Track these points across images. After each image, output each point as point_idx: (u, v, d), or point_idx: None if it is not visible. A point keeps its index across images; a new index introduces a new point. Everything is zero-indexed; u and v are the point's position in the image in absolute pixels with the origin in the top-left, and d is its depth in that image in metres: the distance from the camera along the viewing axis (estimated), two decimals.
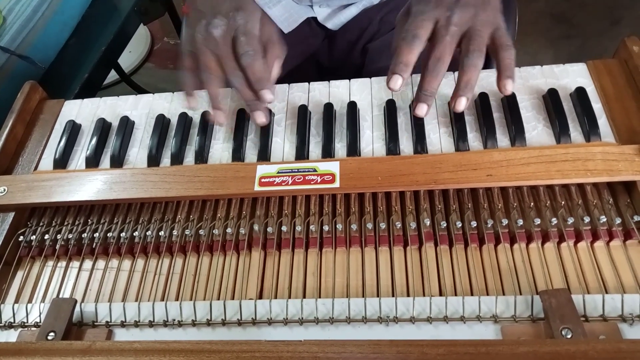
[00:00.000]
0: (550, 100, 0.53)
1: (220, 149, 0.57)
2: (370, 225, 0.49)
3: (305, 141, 0.55)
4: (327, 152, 0.53)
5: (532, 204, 0.49)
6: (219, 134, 0.58)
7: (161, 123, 0.59)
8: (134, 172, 0.54)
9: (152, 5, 1.07)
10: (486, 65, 0.50)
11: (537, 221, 0.47)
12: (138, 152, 0.58)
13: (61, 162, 0.58)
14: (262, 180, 0.51)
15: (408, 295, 0.46)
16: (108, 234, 0.53)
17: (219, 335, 0.44)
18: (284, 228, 0.50)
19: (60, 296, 0.50)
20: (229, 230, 0.51)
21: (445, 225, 0.48)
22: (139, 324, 0.46)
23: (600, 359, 0.36)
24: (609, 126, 0.51)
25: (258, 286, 0.48)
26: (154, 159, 0.56)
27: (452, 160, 0.49)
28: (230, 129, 0.58)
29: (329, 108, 0.57)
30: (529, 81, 0.56)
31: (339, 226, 0.49)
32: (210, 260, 0.51)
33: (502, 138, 0.52)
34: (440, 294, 0.45)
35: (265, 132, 0.56)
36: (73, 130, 0.60)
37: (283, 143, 0.56)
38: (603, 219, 0.46)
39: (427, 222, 0.48)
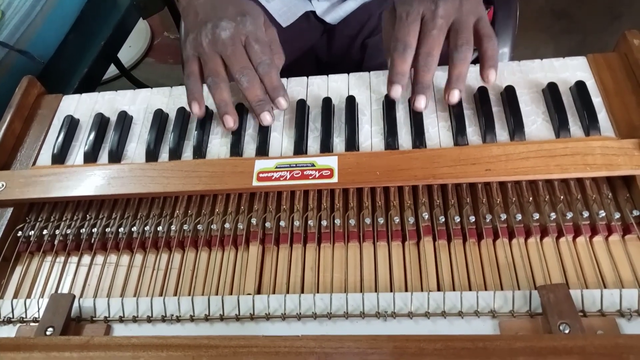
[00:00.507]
0: (550, 94, 0.53)
1: (219, 143, 0.57)
2: (368, 221, 0.49)
3: (304, 136, 0.54)
4: (326, 147, 0.53)
5: (530, 198, 0.48)
6: (217, 129, 0.58)
7: (159, 118, 0.59)
8: (132, 167, 0.54)
9: None
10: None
11: (536, 216, 0.46)
12: (136, 147, 0.58)
13: (59, 158, 0.58)
14: (261, 175, 0.51)
15: (406, 290, 0.46)
16: (106, 229, 0.53)
17: (217, 331, 0.44)
18: (282, 223, 0.50)
19: (59, 291, 0.50)
20: (227, 225, 0.50)
21: (443, 220, 0.48)
22: (137, 319, 0.46)
23: (598, 354, 0.36)
24: (609, 120, 0.51)
25: (256, 281, 0.48)
26: (152, 154, 0.56)
27: (451, 154, 0.49)
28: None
29: (327, 102, 0.57)
30: (528, 75, 0.56)
31: (337, 221, 0.49)
32: (208, 255, 0.50)
33: (501, 132, 0.52)
34: (439, 289, 0.45)
35: (264, 127, 0.55)
36: (71, 126, 0.60)
37: (281, 138, 0.56)
38: (602, 213, 0.46)
39: (426, 217, 0.48)
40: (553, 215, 0.46)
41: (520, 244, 0.47)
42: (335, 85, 0.59)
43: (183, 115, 0.58)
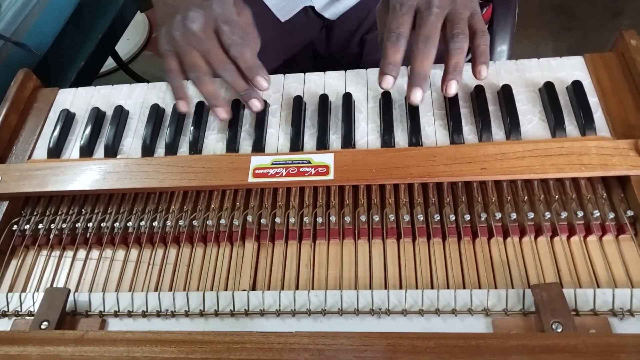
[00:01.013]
0: (547, 93, 0.53)
1: (215, 139, 0.57)
2: (363, 218, 0.49)
3: (300, 132, 0.54)
4: (322, 144, 0.53)
5: (525, 197, 0.49)
6: (213, 124, 0.58)
7: (155, 113, 0.58)
8: (127, 162, 0.54)
9: None
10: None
11: (531, 215, 0.47)
12: (132, 141, 0.58)
13: (55, 151, 0.58)
14: (256, 171, 0.51)
15: (400, 287, 0.46)
16: (102, 224, 0.53)
17: (212, 326, 0.45)
18: (277, 220, 0.50)
19: (54, 285, 0.50)
20: (222, 221, 0.51)
21: (438, 218, 0.48)
22: (132, 314, 0.46)
23: (590, 353, 0.36)
24: (605, 120, 0.51)
25: (251, 277, 0.48)
26: (148, 149, 0.56)
27: (447, 153, 0.49)
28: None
29: (324, 99, 0.57)
30: (525, 74, 0.56)
31: (333, 218, 0.49)
32: (203, 251, 0.51)
33: (497, 131, 0.52)
34: (433, 287, 0.46)
35: (260, 123, 0.55)
36: (67, 120, 0.60)
37: (278, 134, 0.56)
38: (596, 213, 0.46)
39: (421, 215, 0.48)
40: (548, 215, 0.47)
41: (514, 243, 0.47)
42: (332, 82, 0.59)
43: None
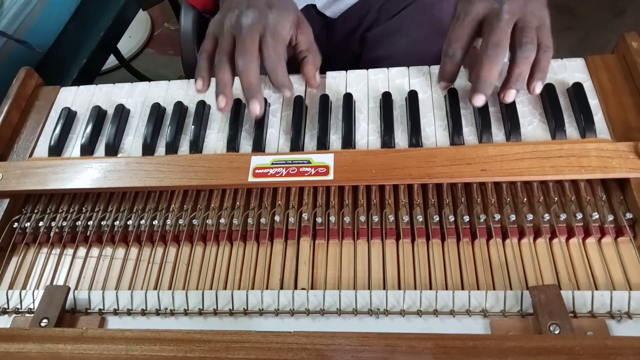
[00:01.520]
0: (547, 95, 0.53)
1: (215, 138, 0.57)
2: (363, 218, 0.49)
3: (301, 133, 0.55)
4: (322, 144, 0.53)
5: (525, 199, 0.49)
6: (214, 123, 0.58)
7: (156, 111, 0.59)
8: (128, 161, 0.54)
9: None
10: None
11: (530, 217, 0.47)
12: (133, 140, 0.58)
13: (56, 150, 0.58)
14: (256, 171, 0.51)
15: (399, 288, 0.46)
16: (102, 222, 0.53)
17: (211, 325, 0.45)
18: (277, 219, 0.50)
19: (54, 283, 0.50)
20: (222, 220, 0.51)
21: (437, 219, 0.48)
22: (131, 312, 0.46)
23: (586, 355, 0.36)
24: (605, 122, 0.51)
25: (250, 276, 0.48)
26: (148, 148, 0.56)
27: (447, 154, 0.49)
28: (225, 119, 0.58)
29: (325, 99, 0.57)
30: None
31: (332, 218, 0.50)
32: (203, 250, 0.51)
33: (497, 132, 0.52)
34: (431, 288, 0.46)
35: (260, 123, 0.55)
36: (68, 118, 0.60)
37: (278, 134, 0.56)
38: (595, 215, 0.46)
39: (420, 216, 0.48)
40: (547, 216, 0.47)
41: (513, 244, 0.47)
42: (333, 82, 0.59)
43: (180, 109, 0.58)
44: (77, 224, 0.53)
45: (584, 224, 0.47)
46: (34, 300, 0.48)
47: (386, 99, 0.55)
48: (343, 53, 0.85)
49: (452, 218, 0.48)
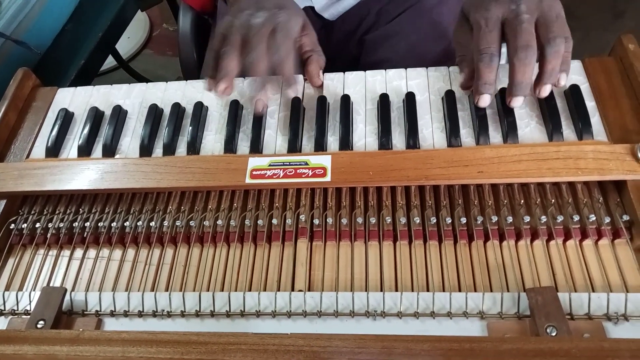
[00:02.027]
0: (545, 97, 0.53)
1: (213, 140, 0.57)
2: (360, 220, 0.49)
3: (298, 134, 0.55)
4: (320, 146, 0.53)
5: (522, 201, 0.49)
6: (211, 125, 0.58)
7: (154, 113, 0.59)
8: (125, 162, 0.54)
9: None
10: None
11: (527, 218, 0.47)
12: (130, 141, 0.58)
13: (53, 151, 0.58)
14: (254, 172, 0.51)
15: (396, 290, 0.46)
16: (99, 224, 0.53)
17: (208, 327, 0.45)
18: (274, 221, 0.50)
19: (51, 284, 0.50)
20: (219, 222, 0.51)
21: (435, 220, 0.48)
22: (128, 313, 0.46)
23: (583, 357, 0.36)
24: (602, 125, 0.51)
25: (247, 278, 0.48)
26: (146, 149, 0.56)
27: (444, 156, 0.49)
28: (223, 120, 0.58)
29: (322, 101, 0.57)
30: None
31: (330, 220, 0.50)
32: (200, 251, 0.51)
33: (495, 134, 0.52)
34: (428, 289, 0.46)
35: (258, 125, 0.55)
36: (66, 119, 0.60)
37: (275, 135, 0.56)
38: (592, 217, 0.46)
39: (417, 218, 0.48)
40: (544, 218, 0.47)
41: (510, 246, 0.47)
42: (331, 84, 0.59)
43: (178, 110, 0.58)
44: (74, 225, 0.53)
45: (581, 226, 0.47)
46: (30, 301, 0.47)
47: (384, 101, 0.55)
48: (341, 55, 0.85)
49: (449, 220, 0.48)
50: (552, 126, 0.50)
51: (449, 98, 0.54)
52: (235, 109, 0.57)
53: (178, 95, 0.61)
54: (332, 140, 0.54)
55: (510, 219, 0.47)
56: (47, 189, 0.53)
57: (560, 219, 0.46)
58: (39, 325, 0.44)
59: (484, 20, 0.50)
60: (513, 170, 0.48)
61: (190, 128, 0.56)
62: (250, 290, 0.47)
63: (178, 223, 0.51)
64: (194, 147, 0.55)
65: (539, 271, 0.45)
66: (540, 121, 0.52)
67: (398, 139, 0.53)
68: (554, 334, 0.39)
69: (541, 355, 0.37)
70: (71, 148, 0.59)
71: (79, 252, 0.52)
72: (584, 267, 0.45)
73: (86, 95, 0.63)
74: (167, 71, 1.78)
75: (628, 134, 0.50)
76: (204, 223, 0.51)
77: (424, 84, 0.57)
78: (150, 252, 0.51)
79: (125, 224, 0.52)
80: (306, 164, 0.51)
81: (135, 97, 0.62)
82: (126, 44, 1.83)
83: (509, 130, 0.51)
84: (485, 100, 0.51)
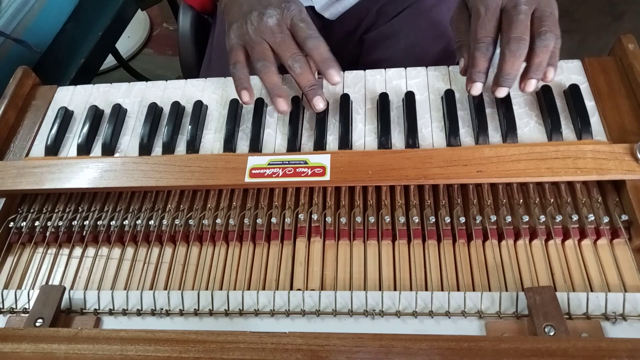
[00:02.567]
0: (544, 97, 0.53)
1: (212, 139, 0.57)
2: (359, 219, 0.49)
3: (298, 133, 0.55)
4: (319, 145, 0.53)
5: (521, 200, 0.49)
6: (211, 123, 0.58)
7: (153, 111, 0.59)
8: (125, 161, 0.54)
9: None
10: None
11: (526, 218, 0.47)
12: (130, 140, 0.58)
13: (53, 149, 0.58)
14: (253, 171, 0.51)
15: (395, 289, 0.46)
16: (98, 222, 0.53)
17: (206, 325, 0.45)
18: (273, 220, 0.50)
19: (50, 283, 0.50)
20: (218, 220, 0.51)
21: (434, 220, 0.48)
22: (127, 312, 0.46)
23: (580, 357, 0.36)
24: (601, 124, 0.51)
25: (246, 277, 0.48)
26: (145, 148, 0.56)
27: (443, 155, 0.49)
28: (223, 119, 0.58)
29: None
30: None
31: (329, 219, 0.50)
32: (199, 250, 0.51)
33: (494, 134, 0.52)
34: (427, 289, 0.46)
35: (257, 123, 0.55)
36: (65, 117, 0.60)
37: (275, 134, 0.56)
38: (591, 217, 0.46)
39: (416, 217, 0.48)
40: (543, 218, 0.47)
41: (509, 246, 0.47)
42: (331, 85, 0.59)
43: (177, 109, 0.58)
44: (73, 223, 0.53)
45: (580, 226, 0.47)
46: (29, 300, 0.47)
47: (383, 100, 0.55)
48: (341, 55, 0.84)
49: (448, 219, 0.48)
50: (551, 126, 0.50)
51: (449, 97, 0.54)
52: (234, 107, 0.57)
53: (178, 94, 0.61)
54: (332, 139, 0.54)
55: (509, 219, 0.47)
56: (46, 187, 0.53)
57: (559, 218, 0.46)
58: (37, 324, 0.44)
59: (484, 8, 0.50)
60: (512, 169, 0.48)
61: (190, 127, 0.56)
62: (249, 289, 0.48)
63: (177, 222, 0.51)
64: (193, 145, 0.55)
65: (538, 271, 0.46)
66: (540, 121, 0.52)
67: (397, 139, 0.53)
68: (552, 334, 0.39)
69: (539, 354, 0.37)
70: (70, 146, 0.59)
71: (77, 251, 0.52)
72: (582, 266, 0.45)
73: (86, 94, 0.63)
74: (167, 71, 1.78)
75: (627, 134, 0.50)
76: (203, 222, 0.51)
77: (424, 83, 0.57)
78: (149, 251, 0.51)
79: (124, 223, 0.52)
80: (305, 163, 0.51)
81: (134, 96, 0.62)
82: (126, 43, 1.83)
83: (508, 129, 0.51)
84: (477, 89, 0.52)
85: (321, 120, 0.55)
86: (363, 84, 0.59)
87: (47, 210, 0.55)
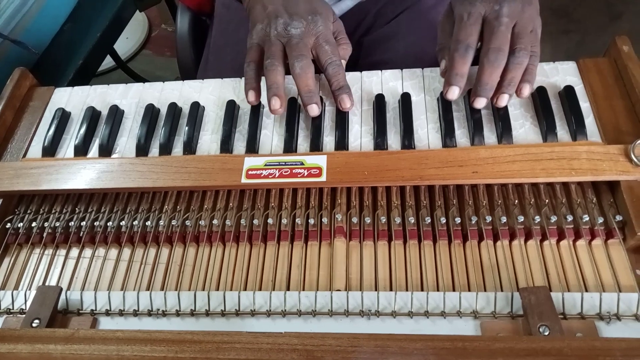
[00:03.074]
0: (539, 98, 0.53)
1: (209, 140, 0.57)
2: (355, 220, 0.49)
3: (294, 134, 0.55)
4: (315, 146, 0.53)
5: (516, 201, 0.49)
6: (207, 125, 0.58)
7: (150, 112, 0.59)
8: (122, 162, 0.54)
9: None
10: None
11: (521, 219, 0.47)
12: (127, 141, 0.58)
13: (50, 150, 0.58)
14: (250, 172, 0.51)
15: (390, 289, 0.46)
16: (95, 223, 0.53)
17: (203, 326, 0.45)
18: (270, 220, 0.50)
19: (47, 283, 0.50)
20: (215, 221, 0.51)
21: (429, 220, 0.48)
22: (123, 312, 0.46)
23: (574, 356, 0.36)
24: (596, 125, 0.51)
25: (242, 278, 0.48)
26: (142, 149, 0.56)
27: (439, 156, 0.50)
28: (219, 120, 0.58)
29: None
30: None
31: (325, 220, 0.50)
32: (196, 251, 0.51)
33: (489, 135, 0.52)
34: (422, 289, 0.46)
35: (254, 124, 0.56)
36: (62, 118, 0.60)
37: (272, 135, 0.56)
38: (586, 218, 0.46)
39: (412, 218, 0.49)
40: (538, 219, 0.47)
41: (504, 246, 0.47)
42: (327, 85, 0.59)
43: (174, 110, 0.59)
44: (70, 224, 0.53)
45: (575, 226, 0.47)
46: (26, 300, 0.48)
47: (379, 101, 0.56)
48: None
49: (443, 220, 0.48)
50: (546, 127, 0.51)
51: (444, 99, 0.54)
52: (231, 109, 0.57)
53: (175, 95, 0.62)
54: (328, 140, 0.55)
55: (504, 219, 0.47)
56: (43, 188, 0.53)
57: (554, 219, 0.47)
58: (34, 324, 0.45)
59: (467, 14, 0.51)
60: (507, 170, 0.48)
61: (187, 128, 0.56)
62: (245, 289, 0.48)
63: (174, 222, 0.51)
64: (190, 146, 0.56)
65: (533, 271, 0.46)
66: (535, 122, 0.53)
67: (393, 140, 0.53)
68: (546, 333, 0.40)
69: (533, 354, 0.37)
70: (68, 148, 0.59)
71: (74, 252, 0.52)
72: (577, 267, 0.45)
73: (83, 95, 0.64)
74: (166, 72, 1.78)
75: (621, 134, 0.50)
76: (200, 223, 0.51)
77: (420, 84, 0.58)
78: (146, 252, 0.51)
79: (121, 224, 0.52)
80: (302, 164, 0.51)
81: (132, 97, 0.62)
82: (125, 45, 1.83)
83: (504, 131, 0.51)
84: (453, 93, 0.52)
85: (317, 121, 0.55)
86: (359, 85, 0.59)
87: (44, 211, 0.55)
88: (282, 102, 0.54)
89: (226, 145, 0.55)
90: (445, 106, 0.54)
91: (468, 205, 0.49)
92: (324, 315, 0.44)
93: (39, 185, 0.53)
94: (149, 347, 0.40)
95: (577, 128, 0.50)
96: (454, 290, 0.46)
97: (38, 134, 0.60)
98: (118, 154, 0.57)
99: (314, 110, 0.54)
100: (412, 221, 0.48)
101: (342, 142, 0.53)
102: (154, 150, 0.57)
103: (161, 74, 1.77)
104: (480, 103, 0.52)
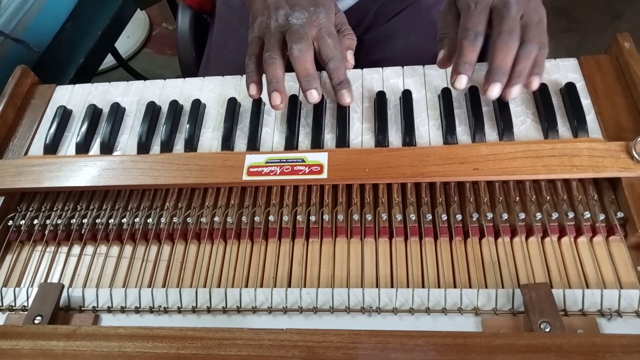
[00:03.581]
0: (540, 95, 0.53)
1: (210, 137, 0.57)
2: (356, 217, 0.49)
3: (295, 131, 0.55)
4: (316, 143, 0.53)
5: (517, 198, 0.49)
6: (209, 122, 0.58)
7: (152, 110, 0.59)
8: (123, 159, 0.54)
9: None
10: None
11: (522, 215, 0.47)
12: (128, 138, 0.58)
13: (51, 148, 0.58)
14: (251, 169, 0.51)
15: (392, 286, 0.46)
16: (97, 220, 0.53)
17: (204, 322, 0.45)
18: (271, 218, 0.50)
19: (48, 281, 0.51)
20: (216, 218, 0.51)
21: (430, 217, 0.48)
22: (125, 309, 0.46)
23: (575, 353, 0.36)
24: (597, 122, 0.51)
25: (244, 274, 0.48)
26: (143, 146, 0.56)
27: (440, 153, 0.50)
28: (220, 117, 0.58)
29: None
30: None
31: (326, 217, 0.50)
32: (197, 248, 0.51)
33: (491, 132, 0.52)
34: (423, 286, 0.46)
35: (255, 122, 0.56)
36: (64, 116, 0.60)
37: (273, 133, 0.56)
38: (587, 214, 0.46)
39: (413, 215, 0.49)
40: (539, 215, 0.47)
41: (505, 243, 0.47)
42: (328, 82, 0.59)
43: (175, 108, 0.59)
44: (71, 222, 0.53)
45: (576, 223, 0.47)
46: (28, 297, 0.48)
47: (380, 99, 0.56)
48: None
49: (444, 217, 0.48)
50: (547, 124, 0.51)
51: (446, 96, 0.54)
52: (232, 106, 0.57)
53: (176, 93, 0.62)
54: (329, 137, 0.55)
55: (505, 216, 0.47)
56: (45, 185, 0.53)
57: (555, 216, 0.47)
58: (36, 321, 0.45)
59: (474, 3, 0.50)
60: (508, 167, 0.48)
61: (188, 125, 0.56)
62: (246, 286, 0.48)
63: (175, 220, 0.52)
64: (191, 144, 0.56)
65: (534, 268, 0.46)
66: (536, 119, 0.53)
67: (394, 137, 0.54)
68: (547, 330, 0.40)
69: (534, 350, 0.37)
70: (69, 145, 0.59)
71: (76, 249, 0.53)
72: (578, 263, 0.45)
73: (84, 93, 0.64)
74: (167, 70, 1.78)
75: (623, 131, 0.50)
76: (201, 220, 0.51)
77: (421, 81, 0.58)
78: (147, 249, 0.51)
79: (122, 221, 0.52)
80: (303, 161, 0.51)
81: (133, 95, 0.62)
82: (126, 43, 1.83)
83: (505, 127, 0.51)
84: (461, 82, 0.50)
85: (319, 118, 0.55)
86: (360, 83, 0.59)
87: (46, 208, 0.55)
88: (283, 97, 0.53)
89: (227, 142, 0.55)
90: (446, 103, 0.54)
91: (469, 202, 0.49)
92: (325, 312, 0.44)
93: (40, 182, 0.54)
94: (151, 343, 0.40)
95: (578, 125, 0.50)
96: (455, 287, 0.46)
97: (39, 132, 0.60)
98: (119, 152, 0.57)
99: (313, 95, 0.53)
100: (413, 218, 0.48)
101: (343, 139, 0.53)
102: (155, 147, 0.57)
103: (162, 72, 1.77)
104: (495, 90, 0.49)
